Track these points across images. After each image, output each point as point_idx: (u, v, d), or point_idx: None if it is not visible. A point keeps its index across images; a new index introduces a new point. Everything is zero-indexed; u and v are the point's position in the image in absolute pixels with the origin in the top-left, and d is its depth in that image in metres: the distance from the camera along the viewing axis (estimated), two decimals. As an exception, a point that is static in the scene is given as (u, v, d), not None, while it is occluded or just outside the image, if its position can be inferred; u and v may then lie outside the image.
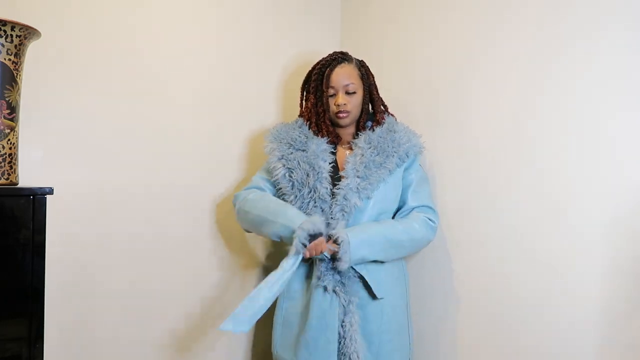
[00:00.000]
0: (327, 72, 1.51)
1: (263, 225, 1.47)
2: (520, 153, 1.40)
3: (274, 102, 1.90)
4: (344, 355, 1.39)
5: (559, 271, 1.31)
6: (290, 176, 1.49)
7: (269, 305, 1.35)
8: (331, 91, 1.51)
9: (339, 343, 1.40)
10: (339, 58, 1.53)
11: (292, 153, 1.51)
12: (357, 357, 1.38)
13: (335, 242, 1.37)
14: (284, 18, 1.92)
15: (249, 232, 1.60)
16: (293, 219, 1.40)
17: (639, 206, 1.17)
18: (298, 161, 1.49)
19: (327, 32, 2.04)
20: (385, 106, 1.60)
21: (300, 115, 1.61)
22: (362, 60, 1.59)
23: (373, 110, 1.58)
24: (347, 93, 1.50)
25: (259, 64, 1.86)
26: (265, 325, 1.79)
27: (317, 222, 1.37)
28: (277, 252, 1.84)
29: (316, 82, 1.53)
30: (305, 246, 1.36)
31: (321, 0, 2.03)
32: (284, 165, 1.50)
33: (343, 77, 1.50)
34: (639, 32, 1.17)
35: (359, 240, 1.38)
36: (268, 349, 1.61)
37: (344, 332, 1.40)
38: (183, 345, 1.70)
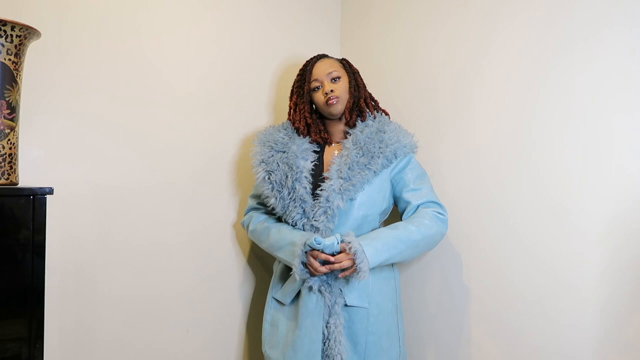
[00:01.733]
0: (308, 68, 1.55)
1: (276, 256, 1.51)
2: (520, 153, 1.40)
3: (274, 102, 1.90)
4: (328, 357, 1.39)
5: (559, 271, 1.31)
6: (270, 178, 1.49)
7: None
8: (315, 84, 1.52)
9: (324, 344, 1.40)
10: (319, 55, 1.59)
11: (272, 156, 1.51)
12: (341, 359, 1.38)
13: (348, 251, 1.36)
14: (284, 18, 1.92)
15: None
16: (286, 251, 1.43)
17: (638, 206, 1.17)
18: (277, 163, 1.49)
19: (327, 32, 2.04)
20: (375, 101, 1.62)
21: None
22: (344, 58, 1.64)
23: (361, 99, 1.56)
24: (332, 80, 1.52)
25: (258, 64, 1.86)
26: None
27: (299, 244, 1.38)
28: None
29: (300, 82, 1.58)
30: (307, 266, 1.40)
31: (321, 1, 2.03)
32: (264, 169, 1.51)
33: (324, 67, 1.53)
34: (639, 32, 1.17)
35: (374, 248, 1.35)
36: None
37: (329, 333, 1.40)
38: (182, 345, 1.70)
